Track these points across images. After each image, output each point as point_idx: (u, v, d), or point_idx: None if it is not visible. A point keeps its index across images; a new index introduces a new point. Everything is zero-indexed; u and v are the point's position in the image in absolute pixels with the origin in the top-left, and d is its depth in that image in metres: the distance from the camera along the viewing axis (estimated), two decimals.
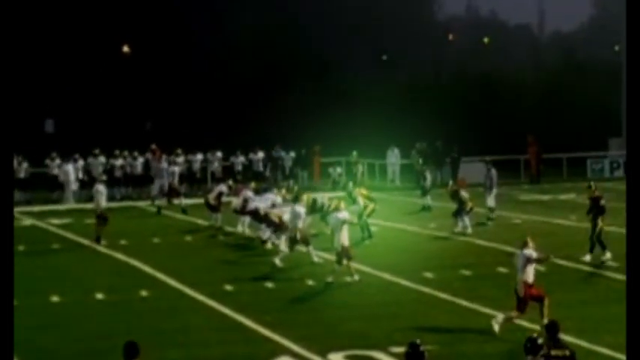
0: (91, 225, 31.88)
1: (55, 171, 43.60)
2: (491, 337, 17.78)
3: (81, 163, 43.61)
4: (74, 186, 42.75)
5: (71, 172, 42.53)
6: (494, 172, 34.90)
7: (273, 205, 28.19)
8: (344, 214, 23.56)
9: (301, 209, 25.75)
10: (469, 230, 30.42)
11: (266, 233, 28.68)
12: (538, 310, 18.47)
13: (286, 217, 26.37)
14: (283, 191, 30.51)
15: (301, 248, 25.51)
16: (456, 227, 30.76)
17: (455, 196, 31.69)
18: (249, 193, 30.55)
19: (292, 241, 25.33)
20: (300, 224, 25.42)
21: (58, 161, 43.91)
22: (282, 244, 25.85)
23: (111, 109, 60.91)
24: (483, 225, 32.19)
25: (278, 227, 26.73)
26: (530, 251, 18.48)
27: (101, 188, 30.30)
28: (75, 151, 44.38)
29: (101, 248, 29.03)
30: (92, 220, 34.14)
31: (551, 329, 13.34)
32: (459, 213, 30.99)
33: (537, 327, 17.62)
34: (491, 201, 33.63)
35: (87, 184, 42.83)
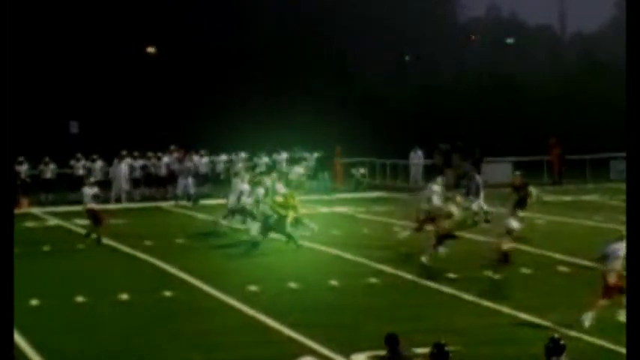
0: (114, 226, 32.10)
1: (80, 171, 44.01)
2: (515, 339, 17.82)
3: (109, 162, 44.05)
4: (126, 185, 43.13)
5: (123, 170, 42.88)
6: (478, 178, 35.03)
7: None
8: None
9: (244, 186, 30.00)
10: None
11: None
12: (560, 312, 18.42)
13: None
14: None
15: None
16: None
17: None
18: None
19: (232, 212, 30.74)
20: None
21: (83, 162, 44.34)
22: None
23: (135, 110, 61.21)
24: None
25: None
26: (623, 247, 17.96)
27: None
28: (98, 152, 44.81)
29: (125, 249, 29.20)
30: (117, 220, 34.56)
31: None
32: None
33: (561, 329, 17.67)
34: (476, 206, 33.10)
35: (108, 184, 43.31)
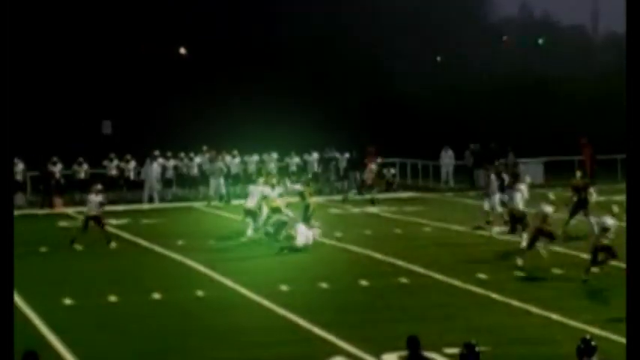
0: (146, 226, 32.22)
1: (113, 172, 44.28)
2: (546, 339, 17.81)
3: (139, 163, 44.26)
4: (158, 185, 43.35)
5: (155, 170, 43.08)
6: (493, 177, 34.44)
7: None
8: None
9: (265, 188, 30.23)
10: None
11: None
12: (592, 312, 18.41)
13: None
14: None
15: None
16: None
17: None
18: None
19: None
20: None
21: (116, 162, 44.61)
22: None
23: (166, 110, 61.48)
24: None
25: None
26: None
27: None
28: (131, 152, 45.04)
29: (158, 249, 29.38)
30: (150, 220, 34.68)
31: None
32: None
33: (593, 329, 17.65)
34: (487, 205, 32.05)
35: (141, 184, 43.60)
